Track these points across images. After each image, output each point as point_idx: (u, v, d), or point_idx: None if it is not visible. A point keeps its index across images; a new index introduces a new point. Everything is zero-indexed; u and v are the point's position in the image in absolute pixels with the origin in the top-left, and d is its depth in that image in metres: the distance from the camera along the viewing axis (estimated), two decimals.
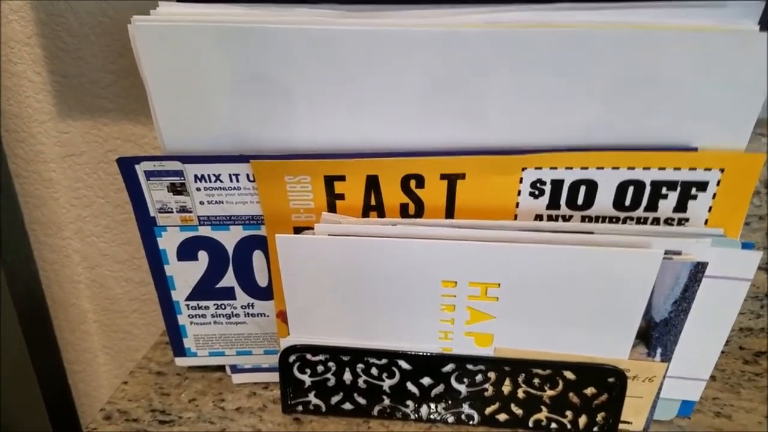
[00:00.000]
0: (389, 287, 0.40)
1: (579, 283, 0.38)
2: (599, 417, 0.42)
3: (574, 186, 0.39)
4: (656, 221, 0.40)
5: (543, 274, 0.38)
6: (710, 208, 0.39)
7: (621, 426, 0.42)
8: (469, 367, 0.42)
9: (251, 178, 0.40)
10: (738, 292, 0.39)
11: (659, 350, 0.40)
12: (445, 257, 0.38)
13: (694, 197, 0.38)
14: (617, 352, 0.40)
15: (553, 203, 0.40)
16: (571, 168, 0.38)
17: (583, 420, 0.42)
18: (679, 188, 0.38)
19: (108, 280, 0.71)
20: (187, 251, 0.43)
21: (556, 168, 0.38)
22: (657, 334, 0.39)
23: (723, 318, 0.40)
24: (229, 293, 0.45)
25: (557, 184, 0.39)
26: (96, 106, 0.61)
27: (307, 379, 0.44)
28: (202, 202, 0.41)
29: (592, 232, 0.37)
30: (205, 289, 0.45)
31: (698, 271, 0.36)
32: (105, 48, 0.58)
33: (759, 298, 0.54)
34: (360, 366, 0.43)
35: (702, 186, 0.38)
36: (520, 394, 0.42)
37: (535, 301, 0.39)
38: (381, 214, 0.41)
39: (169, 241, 0.43)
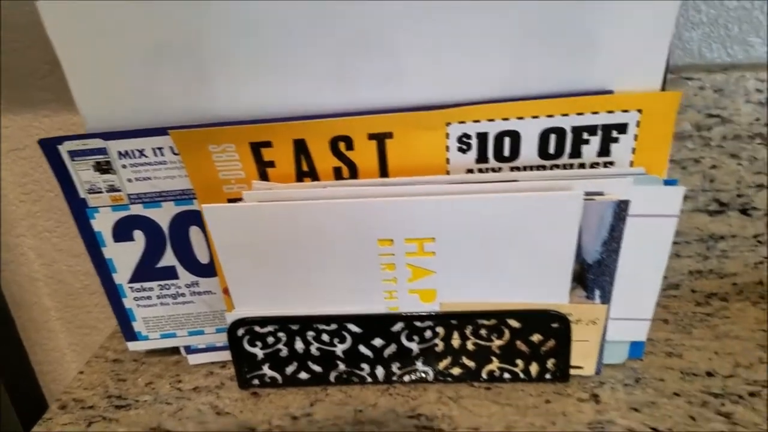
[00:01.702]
0: (326, 251, 0.40)
1: (508, 231, 0.38)
2: (549, 363, 0.43)
3: (499, 138, 0.39)
4: (582, 167, 0.40)
5: (473, 224, 0.38)
6: (633, 150, 0.39)
7: (573, 371, 0.43)
8: (417, 324, 0.42)
9: (175, 151, 0.40)
10: (666, 229, 0.39)
11: (597, 292, 0.40)
12: (378, 216, 0.38)
13: (616, 140, 0.39)
14: (557, 297, 0.40)
15: (482, 157, 0.40)
16: (493, 120, 0.38)
17: (534, 368, 0.43)
18: (599, 132, 0.38)
19: (66, 275, 0.70)
20: (122, 232, 0.43)
21: (479, 121, 0.38)
22: (592, 276, 0.40)
23: (656, 256, 0.40)
24: (171, 273, 0.45)
25: (482, 137, 0.39)
26: (35, 99, 0.59)
27: (258, 351, 0.44)
28: (130, 180, 0.41)
29: (516, 180, 0.38)
30: (147, 270, 0.45)
31: (621, 209, 0.37)
32: (39, 38, 0.56)
33: (704, 240, 0.54)
34: (310, 333, 0.43)
35: (621, 128, 0.38)
36: (470, 346, 0.43)
37: (471, 253, 0.39)
38: (315, 180, 0.41)
39: (102, 223, 0.42)
